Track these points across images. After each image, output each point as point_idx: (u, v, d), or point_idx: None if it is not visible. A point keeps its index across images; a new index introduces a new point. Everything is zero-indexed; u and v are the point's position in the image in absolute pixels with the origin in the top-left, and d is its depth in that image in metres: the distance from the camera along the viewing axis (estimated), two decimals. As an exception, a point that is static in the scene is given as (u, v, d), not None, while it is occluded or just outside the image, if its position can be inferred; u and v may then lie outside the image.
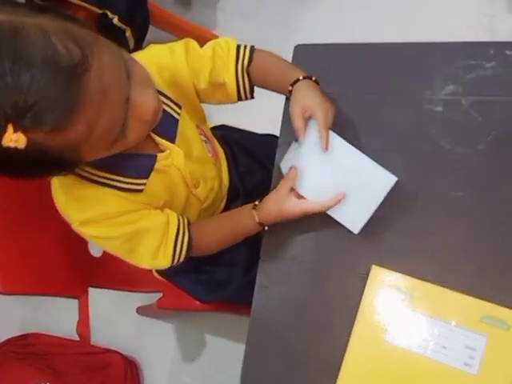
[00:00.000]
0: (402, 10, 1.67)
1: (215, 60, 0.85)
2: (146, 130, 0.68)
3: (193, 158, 0.84)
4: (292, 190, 0.79)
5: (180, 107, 0.81)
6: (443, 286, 0.74)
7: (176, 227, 0.81)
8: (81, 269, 1.14)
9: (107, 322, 1.66)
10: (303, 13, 1.79)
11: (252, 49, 0.87)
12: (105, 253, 1.23)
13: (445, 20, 1.61)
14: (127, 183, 0.75)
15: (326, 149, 0.77)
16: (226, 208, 1.01)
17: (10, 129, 0.50)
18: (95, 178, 0.73)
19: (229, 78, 0.86)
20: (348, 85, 0.88)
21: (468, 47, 0.84)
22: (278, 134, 0.91)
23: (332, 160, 0.77)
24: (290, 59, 0.91)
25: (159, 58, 0.80)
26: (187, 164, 0.82)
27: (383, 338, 0.74)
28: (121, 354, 1.52)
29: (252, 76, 0.87)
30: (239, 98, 0.89)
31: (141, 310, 1.61)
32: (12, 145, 0.51)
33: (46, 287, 1.04)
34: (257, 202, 0.83)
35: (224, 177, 0.98)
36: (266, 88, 0.89)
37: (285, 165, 0.84)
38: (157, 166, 0.78)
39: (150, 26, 1.63)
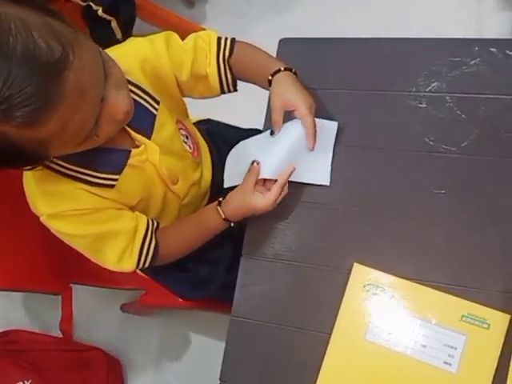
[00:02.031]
0: (390, 9, 1.67)
1: (197, 51, 0.84)
2: (116, 129, 0.68)
3: (171, 153, 0.83)
4: (256, 184, 0.79)
5: (158, 102, 0.80)
6: (424, 285, 0.73)
7: (144, 233, 0.81)
8: (62, 265, 1.12)
9: (91, 319, 1.65)
10: (293, 11, 1.79)
11: (233, 40, 0.86)
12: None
13: (433, 19, 1.61)
14: (99, 178, 0.74)
15: (313, 148, 0.78)
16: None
17: None
18: (67, 172, 0.71)
19: (210, 70, 0.85)
20: (332, 79, 0.88)
21: (453, 44, 0.83)
22: (261, 128, 0.90)
23: (283, 138, 0.79)
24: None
25: (140, 51, 0.79)
26: (164, 160, 0.80)
27: (364, 336, 0.73)
28: (104, 352, 1.51)
29: (233, 68, 0.86)
30: (222, 91, 0.88)
31: (124, 308, 1.59)
32: None
33: (26, 284, 1.03)
34: (221, 199, 0.82)
35: (206, 172, 0.97)
36: (246, 80, 0.88)
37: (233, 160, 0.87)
38: (130, 161, 0.76)
39: (140, 21, 1.62)
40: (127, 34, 1.57)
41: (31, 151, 0.56)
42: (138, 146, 0.77)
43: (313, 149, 0.79)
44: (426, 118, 0.80)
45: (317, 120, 0.78)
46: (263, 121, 0.89)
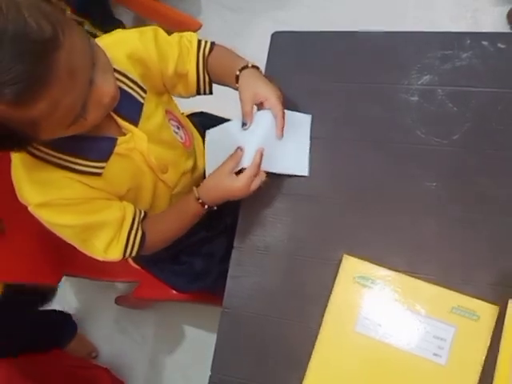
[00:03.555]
0: (386, 3, 1.66)
1: (181, 47, 0.85)
2: (103, 113, 0.68)
3: (160, 143, 0.83)
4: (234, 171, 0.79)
5: (145, 91, 0.80)
6: (414, 277, 0.73)
7: (130, 222, 0.81)
8: (55, 257, 1.12)
9: (86, 312, 1.65)
10: (288, 5, 1.79)
11: (212, 43, 0.88)
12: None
13: (428, 13, 1.61)
14: (86, 166, 0.74)
15: (281, 136, 0.80)
16: None
17: None
18: (55, 160, 0.71)
19: (190, 67, 0.86)
20: (324, 72, 0.88)
21: (445, 37, 0.83)
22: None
23: (259, 129, 0.80)
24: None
25: (128, 42, 0.79)
26: (152, 149, 0.80)
27: (353, 328, 0.73)
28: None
29: (209, 69, 0.87)
30: (198, 91, 0.89)
31: (119, 301, 1.59)
32: None
33: (19, 275, 1.03)
34: (201, 184, 0.83)
35: (200, 161, 0.97)
36: (218, 81, 0.89)
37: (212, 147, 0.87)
38: (117, 149, 0.76)
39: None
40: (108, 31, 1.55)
41: (21, 132, 0.56)
42: (125, 134, 0.77)
43: (281, 137, 0.80)
44: (417, 111, 0.80)
45: (291, 112, 0.81)
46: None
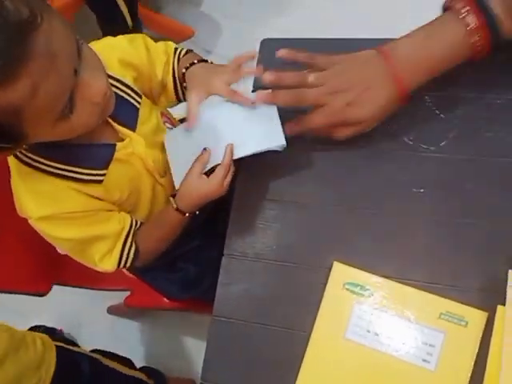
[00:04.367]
0: (384, 12, 1.68)
1: (169, 56, 0.87)
2: (96, 115, 0.67)
3: (157, 146, 0.84)
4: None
5: (140, 96, 0.81)
6: (403, 283, 0.73)
7: (125, 235, 0.82)
8: (45, 266, 1.12)
9: (79, 321, 1.65)
10: (283, 12, 1.80)
11: (188, 50, 0.89)
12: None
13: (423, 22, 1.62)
14: (86, 174, 0.74)
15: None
16: None
17: None
18: (54, 171, 0.72)
19: (168, 76, 0.87)
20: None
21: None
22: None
23: (217, 122, 0.78)
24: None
25: (119, 48, 0.81)
26: (149, 152, 0.81)
27: (343, 335, 0.73)
28: None
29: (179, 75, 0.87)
30: (177, 98, 0.89)
31: (111, 310, 1.59)
32: None
33: (9, 284, 1.02)
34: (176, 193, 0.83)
35: None
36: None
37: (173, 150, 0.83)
38: (117, 155, 0.77)
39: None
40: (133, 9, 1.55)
41: (4, 122, 0.55)
42: (122, 140, 0.77)
43: (248, 103, 0.76)
44: (404, 118, 0.81)
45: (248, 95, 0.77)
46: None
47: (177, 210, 0.82)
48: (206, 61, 0.84)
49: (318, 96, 0.73)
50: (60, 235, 0.77)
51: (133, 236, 0.84)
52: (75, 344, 1.13)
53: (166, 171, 0.87)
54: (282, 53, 0.76)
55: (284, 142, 0.77)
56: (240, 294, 0.80)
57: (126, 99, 0.78)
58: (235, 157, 0.78)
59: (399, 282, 0.73)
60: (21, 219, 1.03)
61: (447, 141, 0.78)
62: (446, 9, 0.73)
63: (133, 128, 0.79)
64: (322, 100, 0.73)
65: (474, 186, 0.75)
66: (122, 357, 1.23)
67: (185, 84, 0.83)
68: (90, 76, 0.63)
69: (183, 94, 0.89)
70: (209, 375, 0.78)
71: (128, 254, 0.83)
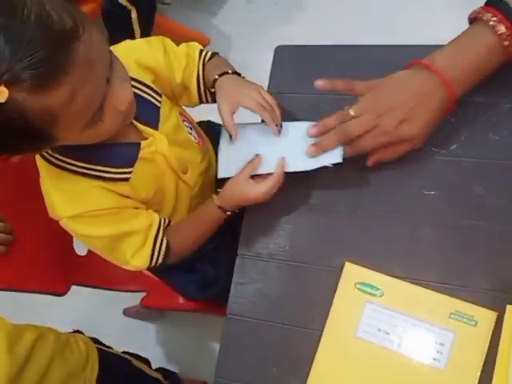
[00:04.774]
0: (389, 21, 1.70)
1: (188, 58, 0.88)
2: (119, 122, 0.70)
3: (178, 144, 0.86)
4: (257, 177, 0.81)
5: (160, 95, 0.83)
6: (413, 283, 0.75)
7: (156, 231, 0.83)
8: (64, 266, 1.15)
9: (95, 323, 1.67)
10: (293, 19, 1.83)
11: (213, 53, 0.90)
12: (88, 251, 1.24)
13: (432, 30, 1.63)
14: (114, 173, 0.76)
15: (277, 128, 0.80)
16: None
17: None
18: (82, 171, 0.74)
19: (192, 79, 0.88)
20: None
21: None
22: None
23: (283, 140, 0.81)
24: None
25: (137, 50, 0.82)
26: (172, 150, 0.83)
27: (354, 333, 0.75)
28: None
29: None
30: (200, 100, 0.91)
31: (127, 312, 1.62)
32: None
33: (28, 283, 1.05)
34: (219, 190, 0.85)
35: (212, 164, 1.00)
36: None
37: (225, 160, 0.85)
38: (141, 154, 0.79)
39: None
40: (147, 29, 1.57)
41: (38, 126, 0.57)
42: (145, 139, 0.80)
43: (278, 134, 0.80)
44: (416, 122, 0.82)
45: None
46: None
47: (218, 207, 0.84)
48: (239, 74, 0.86)
49: (363, 123, 0.74)
50: (90, 233, 0.78)
51: (163, 232, 0.84)
52: (107, 346, 1.15)
53: (188, 168, 0.89)
54: (319, 83, 0.78)
55: (341, 160, 0.79)
56: (253, 294, 0.82)
57: (148, 99, 0.80)
58: (291, 170, 0.81)
59: (410, 283, 0.75)
60: (41, 221, 1.07)
61: (458, 144, 0.80)
62: (472, 20, 0.75)
63: (155, 127, 0.81)
64: (369, 126, 0.74)
65: (483, 188, 0.76)
66: (144, 358, 1.26)
67: (213, 89, 0.85)
68: (119, 85, 0.65)
69: (206, 96, 0.91)
70: (223, 372, 0.80)
71: (160, 249, 0.84)
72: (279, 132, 0.81)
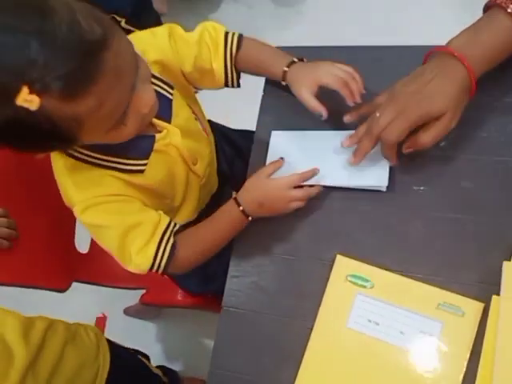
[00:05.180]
0: (386, 23, 1.73)
1: (201, 46, 0.87)
2: (141, 124, 0.71)
3: (189, 135, 0.87)
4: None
5: (172, 87, 0.83)
6: (403, 275, 0.77)
7: (163, 230, 0.81)
8: (66, 263, 1.17)
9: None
10: (294, 23, 1.86)
11: (240, 37, 0.90)
12: (90, 248, 1.27)
13: (430, 32, 1.65)
14: (130, 164, 0.78)
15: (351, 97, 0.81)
16: (219, 191, 1.05)
17: (26, 90, 0.53)
18: (96, 161, 0.75)
19: (217, 65, 0.88)
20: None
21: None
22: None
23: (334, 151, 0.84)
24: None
25: (144, 43, 0.82)
26: (184, 142, 0.85)
27: (345, 324, 0.77)
28: None
29: (240, 63, 0.90)
30: (226, 85, 0.92)
31: (127, 311, 1.64)
32: (25, 105, 0.54)
33: (30, 279, 1.07)
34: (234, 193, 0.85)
35: (213, 157, 1.01)
36: (254, 74, 0.92)
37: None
38: (156, 146, 0.80)
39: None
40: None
41: (65, 130, 0.59)
42: (159, 131, 0.81)
43: (351, 98, 0.81)
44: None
45: None
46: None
47: (235, 200, 0.82)
48: (302, 59, 0.87)
49: (387, 114, 0.74)
50: (101, 223, 0.78)
51: (170, 233, 0.81)
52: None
53: (198, 159, 0.90)
54: (348, 118, 0.83)
55: (386, 184, 0.81)
56: (248, 286, 0.84)
57: (160, 92, 0.80)
58: (333, 184, 0.83)
59: (399, 275, 0.77)
60: (44, 217, 1.10)
61: (447, 141, 0.82)
62: (488, 7, 0.76)
63: (168, 120, 0.82)
64: (393, 114, 0.74)
65: (471, 183, 0.79)
66: (144, 353, 1.27)
67: (284, 82, 0.86)
68: (143, 88, 0.67)
69: (233, 81, 0.91)
70: (218, 362, 0.82)
71: (164, 250, 0.80)
72: (361, 100, 0.81)
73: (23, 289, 1.05)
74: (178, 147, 0.84)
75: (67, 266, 1.18)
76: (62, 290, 1.18)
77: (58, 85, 0.54)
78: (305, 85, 0.82)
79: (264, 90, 0.96)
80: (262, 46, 0.92)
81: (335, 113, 0.85)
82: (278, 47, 0.94)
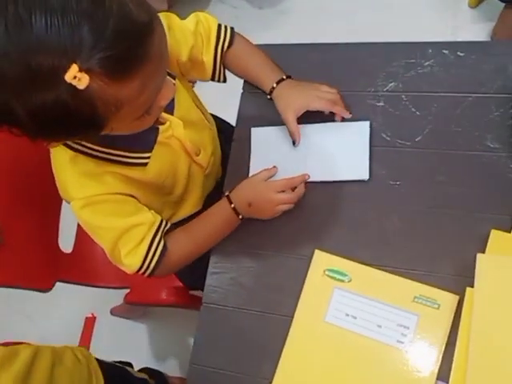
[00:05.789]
0: (371, 23, 1.74)
1: (196, 37, 0.87)
2: (158, 115, 0.71)
3: (191, 125, 0.87)
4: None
5: (174, 78, 0.81)
6: (380, 269, 0.78)
7: (155, 230, 0.81)
8: (49, 263, 1.16)
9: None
10: (277, 26, 1.87)
11: (232, 31, 0.91)
12: (74, 248, 1.26)
13: (412, 31, 1.68)
14: (133, 158, 0.77)
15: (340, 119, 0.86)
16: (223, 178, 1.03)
17: (75, 67, 0.51)
18: (99, 155, 0.74)
19: (207, 58, 0.89)
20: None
21: (408, 47, 0.89)
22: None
23: (312, 145, 0.87)
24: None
25: None
26: (187, 133, 0.84)
27: (323, 318, 0.78)
28: None
29: (228, 63, 0.91)
30: (212, 79, 0.93)
31: (114, 311, 1.63)
32: (74, 83, 0.52)
33: (12, 279, 1.06)
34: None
35: (216, 145, 1.01)
36: (239, 77, 0.93)
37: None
38: (159, 138, 0.80)
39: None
40: None
41: (102, 115, 0.57)
42: (162, 123, 0.81)
43: (341, 120, 0.86)
44: (383, 116, 0.86)
45: (348, 123, 0.86)
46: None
47: (228, 198, 0.83)
48: (290, 76, 0.89)
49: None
50: (97, 223, 0.77)
51: (162, 233, 0.82)
52: None
53: (201, 150, 0.90)
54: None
55: (367, 177, 0.83)
56: (228, 283, 0.85)
57: None
58: (316, 179, 0.84)
59: (376, 268, 0.78)
60: (28, 215, 1.10)
61: (422, 136, 0.83)
62: None
63: (171, 112, 0.81)
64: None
65: (445, 177, 0.80)
66: (127, 362, 1.26)
67: (269, 97, 0.89)
68: (165, 82, 0.65)
69: (220, 76, 0.92)
70: (198, 358, 0.83)
71: (155, 250, 0.80)
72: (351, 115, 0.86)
73: (10, 290, 1.05)
74: (181, 139, 0.84)
75: (51, 266, 1.17)
76: (45, 290, 1.17)
77: (107, 65, 0.53)
78: (293, 108, 0.85)
79: (243, 88, 0.97)
80: (252, 51, 0.92)
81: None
82: (263, 45, 0.95)
